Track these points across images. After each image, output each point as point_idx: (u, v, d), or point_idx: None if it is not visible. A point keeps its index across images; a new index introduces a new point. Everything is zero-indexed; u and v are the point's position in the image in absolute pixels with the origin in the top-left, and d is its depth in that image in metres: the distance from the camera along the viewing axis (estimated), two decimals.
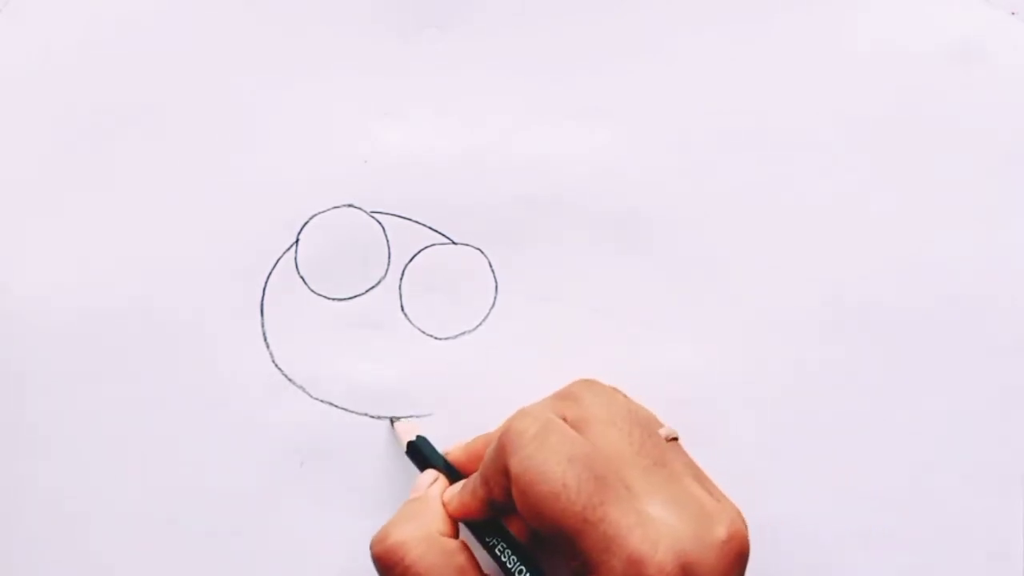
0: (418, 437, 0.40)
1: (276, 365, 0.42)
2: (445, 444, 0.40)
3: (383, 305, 0.42)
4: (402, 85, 0.42)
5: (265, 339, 0.42)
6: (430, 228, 0.42)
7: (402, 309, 0.42)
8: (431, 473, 0.38)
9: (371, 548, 0.35)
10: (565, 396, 0.37)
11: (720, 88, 0.42)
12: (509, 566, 0.35)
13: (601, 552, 0.32)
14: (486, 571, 0.35)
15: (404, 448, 0.40)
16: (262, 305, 0.42)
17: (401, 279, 0.42)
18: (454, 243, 0.42)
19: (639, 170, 0.42)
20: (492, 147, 0.42)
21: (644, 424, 0.36)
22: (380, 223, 0.42)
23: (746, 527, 0.34)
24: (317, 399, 0.42)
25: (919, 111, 0.42)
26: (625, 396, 0.38)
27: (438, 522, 0.36)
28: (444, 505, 0.37)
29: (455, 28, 0.42)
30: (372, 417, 0.42)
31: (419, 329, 0.42)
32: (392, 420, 0.41)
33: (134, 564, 0.41)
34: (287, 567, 0.41)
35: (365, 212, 0.42)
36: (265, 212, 0.42)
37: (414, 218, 0.42)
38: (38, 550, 0.41)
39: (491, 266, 0.42)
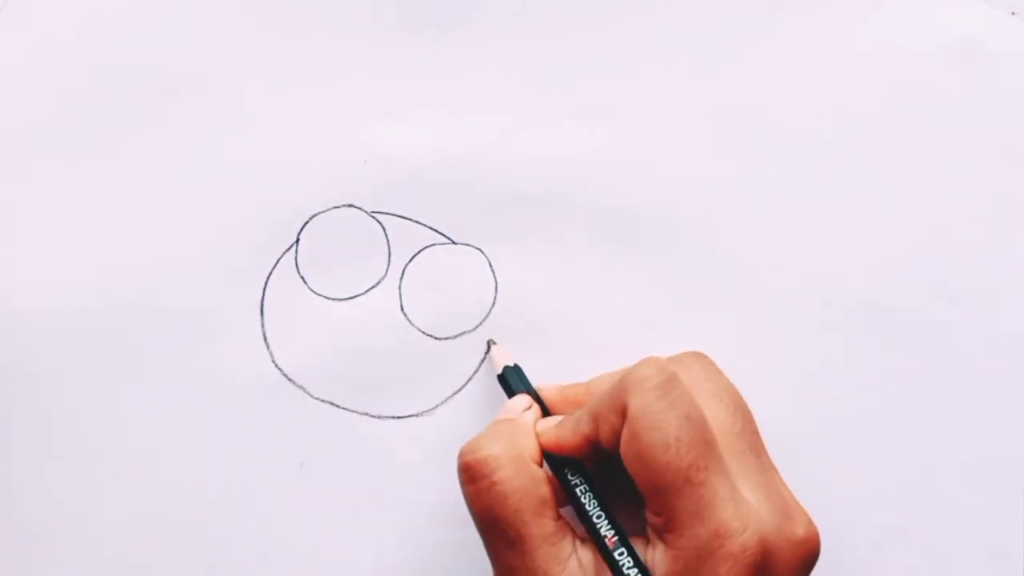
0: (514, 365, 0.40)
1: (276, 365, 0.42)
2: (447, 444, 0.41)
3: (383, 305, 0.42)
4: (402, 85, 0.42)
5: (265, 339, 0.42)
6: (430, 228, 0.42)
7: (402, 309, 0.42)
8: (524, 398, 0.38)
9: (460, 457, 0.35)
10: (678, 361, 0.37)
11: (720, 88, 0.43)
12: (588, 508, 0.35)
13: (692, 515, 0.32)
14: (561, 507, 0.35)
15: (497, 372, 0.40)
16: (262, 305, 0.42)
17: (401, 279, 0.42)
18: (454, 243, 0.42)
19: (639, 170, 0.42)
20: (492, 147, 0.42)
21: (745, 410, 0.36)
22: (380, 223, 0.42)
23: (818, 533, 0.35)
24: (317, 399, 0.42)
25: (919, 111, 0.42)
26: (730, 380, 0.38)
27: (529, 448, 0.36)
28: (539, 436, 0.36)
29: (455, 28, 0.43)
30: (372, 417, 0.42)
31: (419, 329, 0.42)
32: (490, 342, 0.41)
33: (134, 564, 0.41)
34: (287, 567, 0.41)
35: (365, 212, 0.42)
36: (265, 212, 0.42)
37: (414, 218, 0.42)
38: (38, 550, 0.41)
39: (491, 266, 0.42)
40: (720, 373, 0.37)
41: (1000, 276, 0.42)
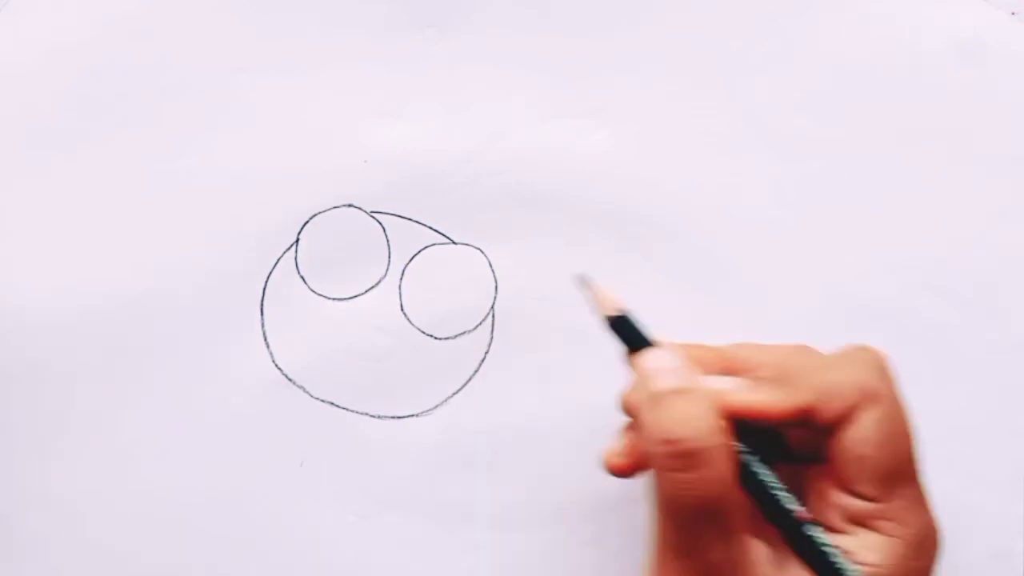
0: (624, 317, 0.34)
1: (276, 365, 0.42)
2: (447, 444, 0.41)
3: (383, 305, 0.42)
4: (402, 85, 0.42)
5: (265, 339, 0.42)
6: (430, 228, 0.42)
7: (402, 309, 0.42)
8: (675, 357, 0.33)
9: (673, 444, 0.31)
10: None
11: (720, 88, 0.42)
12: (777, 490, 0.33)
13: (916, 502, 0.33)
14: None
15: (606, 315, 0.34)
16: (262, 305, 0.42)
17: (401, 279, 0.42)
18: (454, 243, 0.42)
19: (639, 170, 0.42)
20: (492, 147, 0.42)
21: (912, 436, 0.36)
22: (380, 223, 0.42)
23: None
24: (317, 399, 0.42)
25: (919, 111, 0.42)
26: None
27: (726, 429, 0.32)
28: (730, 398, 0.33)
29: (454, 28, 0.42)
30: (372, 417, 0.42)
31: (419, 329, 0.42)
32: (582, 278, 0.35)
33: (133, 562, 0.41)
34: (287, 566, 0.41)
35: (365, 212, 0.42)
36: (265, 212, 0.42)
37: (414, 218, 0.42)
38: (38, 549, 0.41)
39: (491, 266, 0.42)
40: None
41: (1000, 276, 0.42)
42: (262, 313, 0.42)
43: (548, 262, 0.42)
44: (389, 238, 0.42)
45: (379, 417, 0.42)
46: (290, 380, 0.42)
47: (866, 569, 0.32)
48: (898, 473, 0.33)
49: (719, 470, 0.31)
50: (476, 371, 0.42)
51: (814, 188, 0.42)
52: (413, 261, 0.42)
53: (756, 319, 0.42)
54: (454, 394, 0.42)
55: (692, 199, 0.42)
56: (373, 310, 0.42)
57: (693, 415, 0.31)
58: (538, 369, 0.42)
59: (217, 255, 0.42)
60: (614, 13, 0.43)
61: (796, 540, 0.33)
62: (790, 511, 0.33)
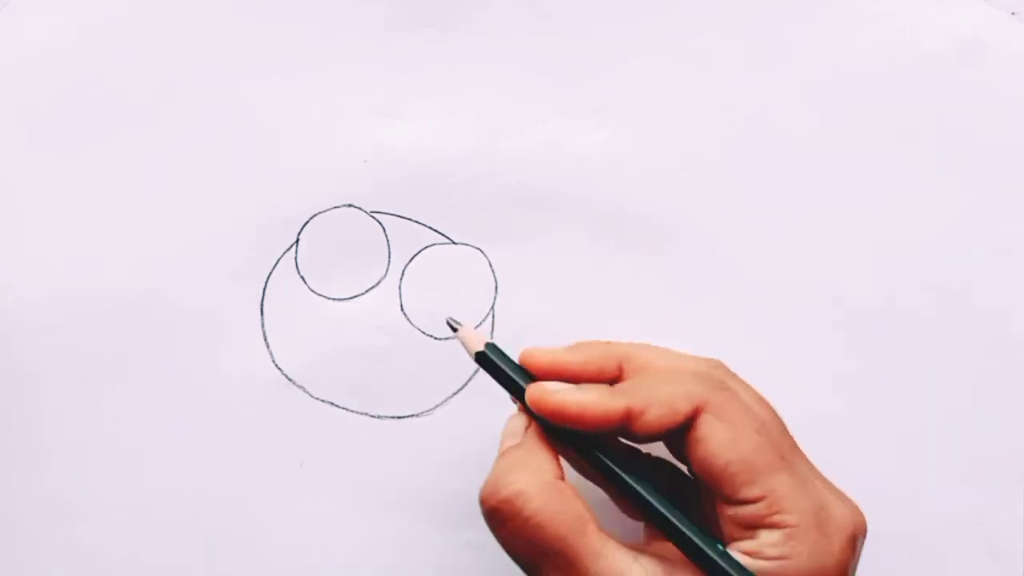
0: (488, 345, 0.36)
1: (276, 365, 0.42)
2: (447, 444, 0.41)
3: (383, 305, 0.42)
4: (402, 85, 0.42)
5: (265, 339, 0.42)
6: (430, 228, 0.42)
7: (402, 309, 0.42)
8: (521, 418, 0.35)
9: (483, 503, 0.33)
10: (715, 367, 0.37)
11: (720, 88, 0.42)
12: (653, 502, 0.34)
13: (796, 488, 0.33)
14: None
15: (472, 354, 0.37)
16: (262, 305, 0.42)
17: (401, 279, 0.42)
18: (454, 243, 0.42)
19: (639, 169, 0.42)
20: (492, 147, 0.42)
21: (778, 417, 0.36)
22: (380, 223, 0.42)
23: None
24: (317, 399, 0.42)
25: (919, 111, 0.42)
26: None
27: (551, 467, 0.34)
28: (556, 401, 0.34)
29: (455, 28, 0.43)
30: (372, 417, 0.42)
31: (419, 329, 0.42)
32: (451, 323, 0.37)
33: (133, 563, 0.41)
34: (287, 566, 0.41)
35: (365, 212, 0.42)
36: (265, 212, 0.42)
37: (414, 218, 0.42)
38: (38, 549, 0.41)
39: (491, 266, 0.42)
40: (746, 381, 0.37)
41: (1000, 276, 0.42)
42: (262, 313, 0.42)
43: (548, 262, 0.42)
44: (389, 238, 0.42)
45: (379, 417, 0.42)
46: (290, 380, 0.42)
47: (771, 564, 0.32)
48: (762, 466, 0.33)
49: (528, 512, 0.32)
50: (476, 371, 0.42)
51: (814, 188, 0.42)
52: (413, 261, 0.42)
53: (756, 319, 0.42)
54: (454, 394, 0.42)
55: (692, 199, 0.42)
56: (373, 310, 0.42)
57: (503, 473, 0.33)
58: None
59: (217, 255, 0.42)
60: (614, 13, 0.43)
61: (692, 557, 0.33)
62: (681, 532, 0.33)
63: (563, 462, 0.35)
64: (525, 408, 0.35)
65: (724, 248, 0.42)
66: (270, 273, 0.42)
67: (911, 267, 0.42)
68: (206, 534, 0.41)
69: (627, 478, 0.34)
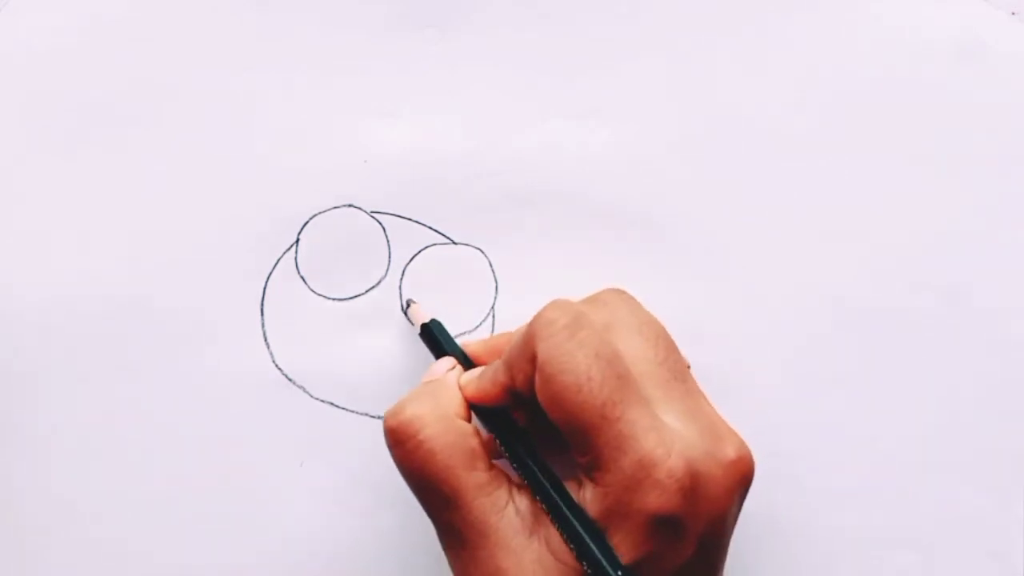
0: (432, 320, 0.40)
1: (276, 365, 0.42)
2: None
3: (383, 305, 0.42)
4: (402, 85, 0.42)
5: (265, 339, 0.42)
6: (430, 228, 0.42)
7: (402, 309, 0.42)
8: (448, 360, 0.38)
9: (384, 421, 0.35)
10: (595, 300, 0.37)
11: (720, 88, 0.42)
12: (518, 455, 0.35)
13: (613, 449, 0.32)
14: (494, 459, 0.35)
15: (418, 331, 0.40)
16: (262, 305, 0.42)
17: (401, 279, 0.42)
18: (454, 243, 0.42)
19: (639, 170, 0.42)
20: (492, 147, 0.42)
21: (668, 341, 0.36)
22: (380, 223, 0.42)
23: (751, 455, 0.34)
24: (317, 399, 0.42)
25: (919, 111, 0.42)
26: (653, 315, 0.37)
27: (454, 404, 0.36)
28: (461, 389, 0.36)
29: (455, 28, 0.43)
30: (372, 417, 0.42)
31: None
32: (408, 302, 0.41)
33: (133, 563, 0.41)
34: (287, 566, 0.41)
35: (365, 212, 0.42)
36: (265, 212, 0.42)
37: (414, 218, 0.42)
38: (39, 549, 0.41)
39: (491, 266, 0.42)
40: (640, 306, 0.37)
41: (1000, 275, 0.42)
42: (262, 313, 0.42)
43: (548, 262, 0.42)
44: (389, 238, 0.42)
45: (379, 417, 0.42)
46: (290, 380, 0.42)
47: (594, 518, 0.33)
48: (581, 425, 0.32)
49: (418, 439, 0.34)
50: None
51: (814, 188, 0.42)
52: (413, 261, 0.42)
53: (756, 318, 0.42)
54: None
55: (692, 199, 0.42)
56: (373, 310, 0.42)
57: (410, 400, 0.35)
58: None
59: (217, 255, 0.42)
60: (614, 13, 0.43)
61: (547, 505, 0.34)
62: (536, 481, 0.34)
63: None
64: (459, 355, 0.38)
65: (724, 248, 0.42)
66: (270, 273, 0.42)
67: (911, 267, 0.42)
68: (206, 534, 0.41)
69: (495, 424, 0.36)
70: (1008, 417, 0.42)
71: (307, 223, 0.42)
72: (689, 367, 0.36)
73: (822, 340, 0.42)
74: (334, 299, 0.42)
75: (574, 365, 0.33)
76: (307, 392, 0.42)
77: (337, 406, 0.42)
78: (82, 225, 0.42)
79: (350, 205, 0.42)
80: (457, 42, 0.43)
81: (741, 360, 0.42)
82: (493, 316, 0.42)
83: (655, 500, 0.32)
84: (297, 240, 0.42)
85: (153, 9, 0.42)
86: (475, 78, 0.42)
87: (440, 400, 0.35)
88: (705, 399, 0.35)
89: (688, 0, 0.43)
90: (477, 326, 0.42)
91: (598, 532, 0.33)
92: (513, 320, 0.42)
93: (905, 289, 0.42)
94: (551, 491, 0.34)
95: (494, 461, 0.35)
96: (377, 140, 0.42)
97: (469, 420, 0.36)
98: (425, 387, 0.36)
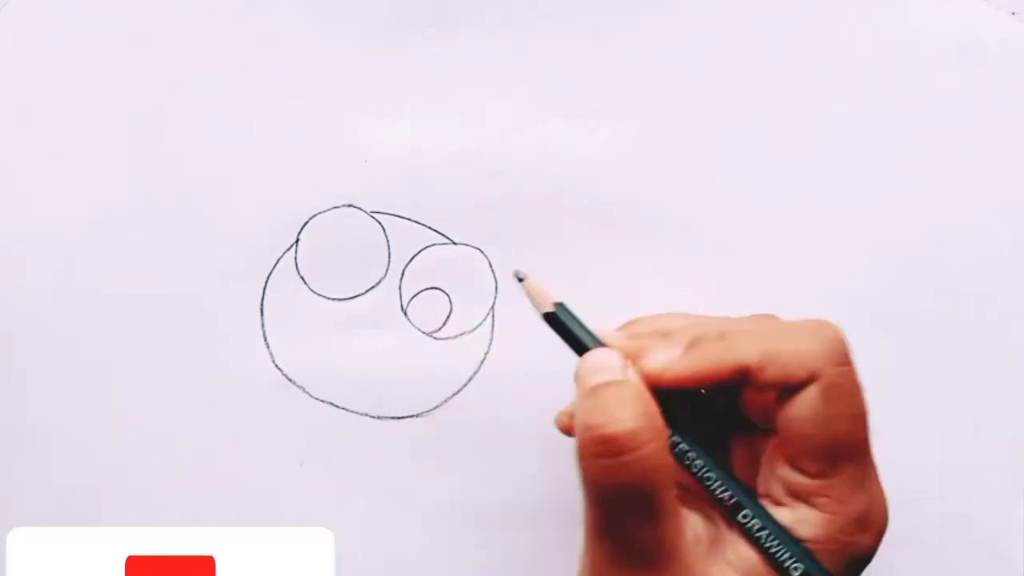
0: (560, 306, 0.35)
1: (276, 365, 0.42)
2: (447, 444, 0.41)
3: (383, 305, 0.42)
4: (402, 85, 0.42)
5: (265, 339, 0.42)
6: (430, 228, 0.42)
7: (402, 309, 0.42)
8: (613, 354, 0.34)
9: (591, 430, 0.32)
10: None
11: (720, 88, 0.43)
12: (709, 472, 0.34)
13: (857, 482, 0.33)
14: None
15: (543, 310, 0.35)
16: (262, 305, 0.42)
17: (401, 279, 0.42)
18: (454, 243, 0.42)
19: (639, 170, 0.42)
20: (492, 147, 0.42)
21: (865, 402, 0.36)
22: (380, 223, 0.42)
23: None
24: (317, 399, 0.42)
25: (919, 111, 0.42)
26: None
27: (658, 416, 0.32)
28: (660, 369, 0.33)
29: (455, 28, 0.43)
30: (372, 417, 0.42)
31: (419, 329, 0.42)
32: (518, 275, 0.36)
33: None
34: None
35: (365, 212, 0.42)
36: (265, 212, 0.42)
37: (414, 218, 0.42)
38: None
39: (491, 266, 0.42)
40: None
41: (1000, 276, 0.42)
42: (262, 313, 0.42)
43: (548, 262, 0.42)
44: (389, 238, 0.42)
45: (379, 417, 0.42)
46: (290, 380, 0.42)
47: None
48: (840, 452, 0.33)
49: (640, 455, 0.31)
50: (476, 371, 0.42)
51: (814, 188, 0.42)
52: (413, 261, 0.42)
53: None
54: (454, 394, 0.42)
55: (692, 199, 0.42)
56: (373, 310, 0.42)
57: (616, 403, 0.32)
58: (538, 369, 0.42)
59: (217, 255, 0.42)
60: (615, 13, 0.43)
61: (745, 523, 0.33)
62: (721, 495, 0.33)
63: None
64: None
65: (725, 248, 0.42)
66: (270, 273, 0.42)
67: (911, 267, 0.42)
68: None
69: (695, 444, 0.34)
70: (1008, 417, 0.42)
71: (307, 223, 0.42)
72: None
73: None
74: (334, 299, 0.42)
75: (854, 397, 0.33)
76: (307, 392, 0.42)
77: (337, 406, 0.42)
78: (82, 225, 0.42)
79: (350, 205, 0.42)
80: (457, 42, 0.43)
81: None
82: (493, 316, 0.42)
83: (870, 542, 0.33)
84: (297, 240, 0.42)
85: (153, 9, 0.42)
86: (475, 78, 0.42)
87: (650, 409, 0.32)
88: None
89: (689, 1, 0.43)
90: (477, 326, 0.42)
91: (807, 551, 0.32)
92: (513, 320, 0.42)
93: (905, 289, 0.42)
94: (758, 504, 0.33)
95: None
96: (377, 140, 0.42)
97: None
98: (624, 390, 0.33)
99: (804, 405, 0.33)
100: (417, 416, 0.42)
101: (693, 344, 0.34)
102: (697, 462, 0.34)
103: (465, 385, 0.42)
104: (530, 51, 0.43)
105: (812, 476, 0.33)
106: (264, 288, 0.42)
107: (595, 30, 0.43)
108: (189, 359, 0.42)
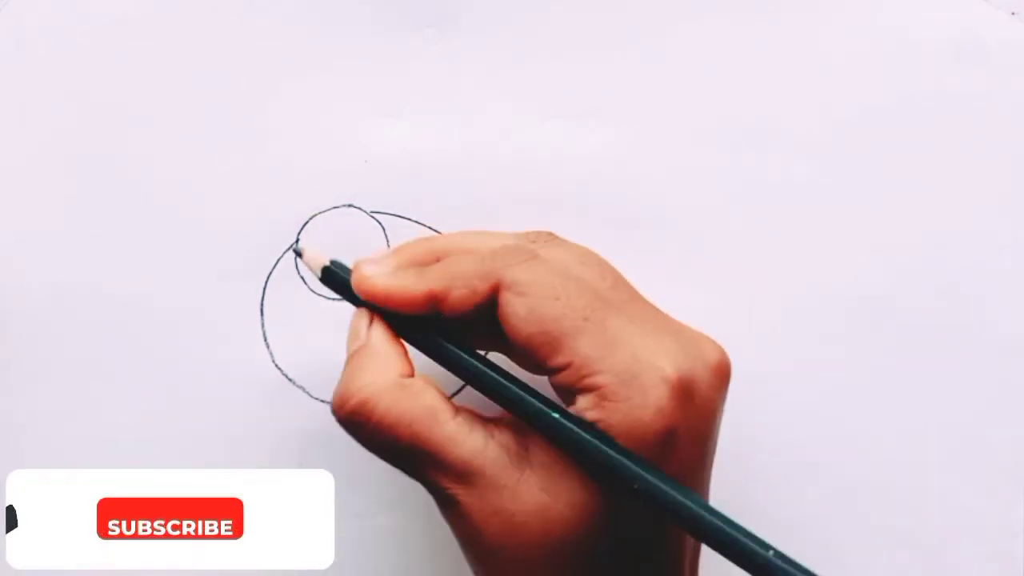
0: (332, 261, 0.37)
1: (276, 365, 0.42)
2: None
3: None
4: (402, 85, 0.42)
5: (265, 339, 0.42)
6: (430, 228, 0.42)
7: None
8: (363, 313, 0.36)
9: (335, 413, 0.34)
10: (533, 240, 0.36)
11: (720, 88, 0.42)
12: (490, 375, 0.34)
13: (603, 347, 0.32)
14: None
15: (319, 277, 0.37)
16: (262, 305, 0.42)
17: None
18: None
19: (640, 170, 0.42)
20: (492, 147, 0.42)
21: (610, 266, 0.36)
22: (380, 223, 0.42)
23: (728, 354, 0.34)
24: (317, 399, 0.42)
25: (919, 111, 0.42)
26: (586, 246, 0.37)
27: (394, 366, 0.34)
28: (364, 281, 0.35)
29: (454, 28, 0.42)
30: None
31: None
32: (295, 249, 0.39)
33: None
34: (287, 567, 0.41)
35: (365, 212, 0.42)
36: (265, 212, 0.42)
37: (414, 218, 0.42)
38: None
39: None
40: (570, 241, 0.36)
41: (1000, 276, 0.42)
42: (262, 313, 0.42)
43: None
44: (389, 238, 0.42)
45: None
46: (290, 380, 0.42)
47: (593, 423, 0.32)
48: (563, 331, 0.32)
49: (385, 421, 0.33)
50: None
51: (815, 188, 0.42)
52: None
53: (758, 318, 0.42)
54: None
55: (693, 199, 0.42)
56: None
57: (357, 372, 0.34)
58: None
59: (217, 255, 0.42)
60: (615, 13, 0.43)
61: (534, 424, 0.33)
62: (503, 403, 0.33)
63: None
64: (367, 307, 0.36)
65: (725, 248, 0.42)
66: (270, 273, 0.42)
67: (911, 268, 0.42)
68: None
69: (460, 353, 0.34)
70: (1008, 417, 0.42)
71: (307, 223, 0.42)
72: None
73: (823, 340, 0.42)
74: (334, 299, 0.42)
75: (549, 280, 0.33)
76: (307, 392, 0.42)
77: None
78: (82, 225, 0.42)
79: (350, 205, 0.42)
80: (457, 42, 0.43)
81: (741, 360, 0.42)
82: None
83: (653, 402, 0.31)
84: (297, 240, 0.42)
85: (153, 9, 0.42)
86: (475, 78, 0.42)
87: (379, 368, 0.34)
88: (665, 313, 0.35)
89: (689, 1, 0.43)
90: None
91: (603, 435, 0.32)
92: None
93: (905, 289, 0.42)
94: (535, 402, 0.33)
95: (461, 407, 0.34)
96: (377, 140, 0.42)
97: (412, 372, 0.35)
98: (357, 360, 0.35)
99: (506, 311, 0.33)
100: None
101: (402, 266, 0.35)
102: (478, 376, 0.34)
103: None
104: (530, 51, 0.43)
105: (562, 367, 0.32)
106: (264, 288, 0.42)
107: (595, 30, 0.43)
108: (189, 359, 0.42)
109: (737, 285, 0.42)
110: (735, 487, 0.41)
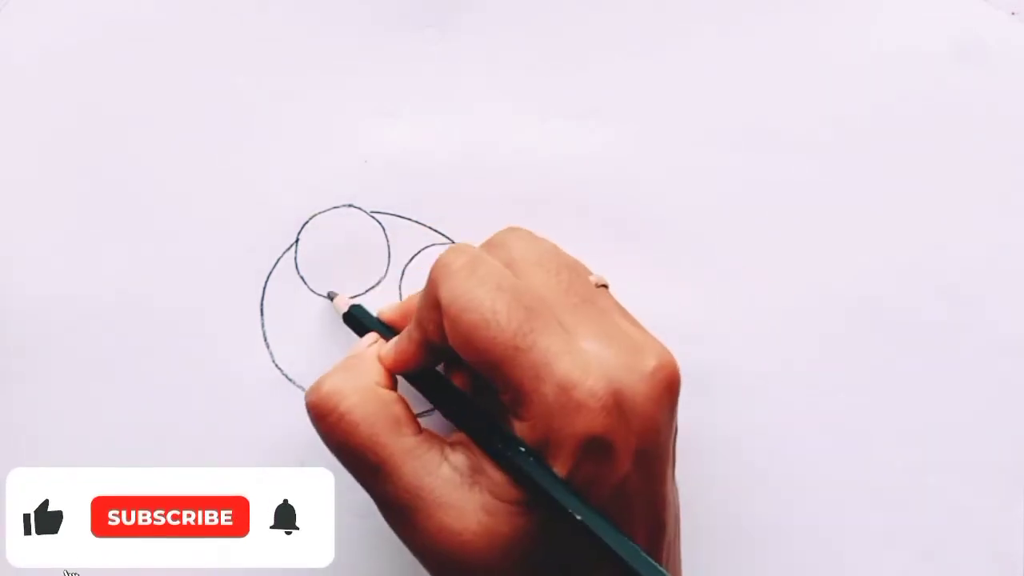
0: (354, 306, 0.40)
1: (276, 365, 0.42)
2: None
3: (383, 305, 0.42)
4: (402, 85, 0.42)
5: (265, 339, 0.42)
6: (430, 228, 0.42)
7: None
8: (370, 335, 0.38)
9: (305, 398, 0.35)
10: (490, 243, 0.36)
11: (720, 88, 0.43)
12: (449, 407, 0.35)
13: (532, 379, 0.32)
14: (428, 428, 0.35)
15: (341, 318, 0.40)
16: (262, 305, 0.42)
17: (401, 279, 0.42)
18: (454, 243, 0.42)
19: (640, 170, 0.42)
20: (492, 147, 0.42)
21: (572, 266, 0.36)
22: (380, 223, 0.42)
23: (675, 360, 0.34)
24: None
25: (919, 111, 0.42)
26: (553, 243, 0.37)
27: (374, 374, 0.35)
28: (381, 360, 0.36)
29: (454, 28, 0.43)
30: None
31: None
32: (331, 295, 0.42)
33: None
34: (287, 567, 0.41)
35: (365, 212, 0.42)
36: (265, 212, 0.42)
37: (414, 218, 0.42)
38: None
39: None
40: (536, 239, 0.36)
41: (1000, 276, 0.42)
42: (262, 313, 0.42)
43: None
44: (389, 238, 0.42)
45: None
46: (290, 380, 0.42)
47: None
48: (495, 361, 0.32)
49: (348, 416, 0.34)
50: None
51: (815, 188, 0.42)
52: (413, 261, 0.42)
53: (758, 318, 0.42)
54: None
55: (693, 199, 0.42)
56: (373, 310, 0.42)
57: (329, 375, 0.35)
58: None
59: (217, 255, 0.42)
60: (615, 13, 0.43)
61: (482, 446, 0.34)
62: (471, 427, 0.34)
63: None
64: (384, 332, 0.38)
65: (725, 248, 0.42)
66: (270, 273, 0.42)
67: (912, 267, 0.42)
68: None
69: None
70: (1009, 417, 0.42)
71: (307, 223, 0.42)
72: (606, 285, 0.36)
73: (823, 340, 0.42)
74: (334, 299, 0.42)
75: (478, 302, 0.32)
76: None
77: None
78: (81, 225, 0.42)
79: (350, 205, 0.42)
80: (457, 42, 0.43)
81: (742, 360, 0.42)
82: None
83: (581, 422, 0.31)
84: (297, 240, 0.42)
85: (153, 9, 0.42)
86: (475, 78, 0.42)
87: (359, 372, 0.35)
88: (623, 315, 0.35)
89: (689, 1, 0.43)
90: None
91: (536, 454, 0.32)
92: None
93: (905, 289, 0.42)
94: (480, 423, 0.34)
95: (425, 427, 0.35)
96: (377, 140, 0.42)
97: (393, 388, 0.36)
98: (344, 362, 0.37)
99: (448, 336, 0.33)
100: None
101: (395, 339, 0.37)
102: (435, 403, 0.36)
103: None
104: (530, 51, 0.43)
105: (504, 391, 0.32)
106: (264, 288, 0.42)
107: (596, 30, 0.43)
108: (189, 359, 0.42)
109: (737, 285, 0.42)
110: (734, 487, 0.41)
